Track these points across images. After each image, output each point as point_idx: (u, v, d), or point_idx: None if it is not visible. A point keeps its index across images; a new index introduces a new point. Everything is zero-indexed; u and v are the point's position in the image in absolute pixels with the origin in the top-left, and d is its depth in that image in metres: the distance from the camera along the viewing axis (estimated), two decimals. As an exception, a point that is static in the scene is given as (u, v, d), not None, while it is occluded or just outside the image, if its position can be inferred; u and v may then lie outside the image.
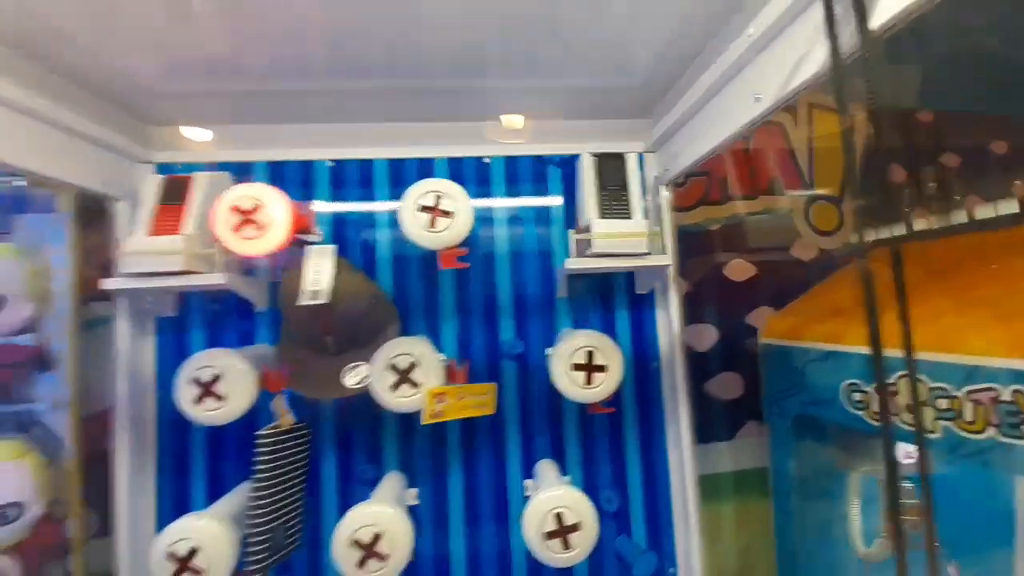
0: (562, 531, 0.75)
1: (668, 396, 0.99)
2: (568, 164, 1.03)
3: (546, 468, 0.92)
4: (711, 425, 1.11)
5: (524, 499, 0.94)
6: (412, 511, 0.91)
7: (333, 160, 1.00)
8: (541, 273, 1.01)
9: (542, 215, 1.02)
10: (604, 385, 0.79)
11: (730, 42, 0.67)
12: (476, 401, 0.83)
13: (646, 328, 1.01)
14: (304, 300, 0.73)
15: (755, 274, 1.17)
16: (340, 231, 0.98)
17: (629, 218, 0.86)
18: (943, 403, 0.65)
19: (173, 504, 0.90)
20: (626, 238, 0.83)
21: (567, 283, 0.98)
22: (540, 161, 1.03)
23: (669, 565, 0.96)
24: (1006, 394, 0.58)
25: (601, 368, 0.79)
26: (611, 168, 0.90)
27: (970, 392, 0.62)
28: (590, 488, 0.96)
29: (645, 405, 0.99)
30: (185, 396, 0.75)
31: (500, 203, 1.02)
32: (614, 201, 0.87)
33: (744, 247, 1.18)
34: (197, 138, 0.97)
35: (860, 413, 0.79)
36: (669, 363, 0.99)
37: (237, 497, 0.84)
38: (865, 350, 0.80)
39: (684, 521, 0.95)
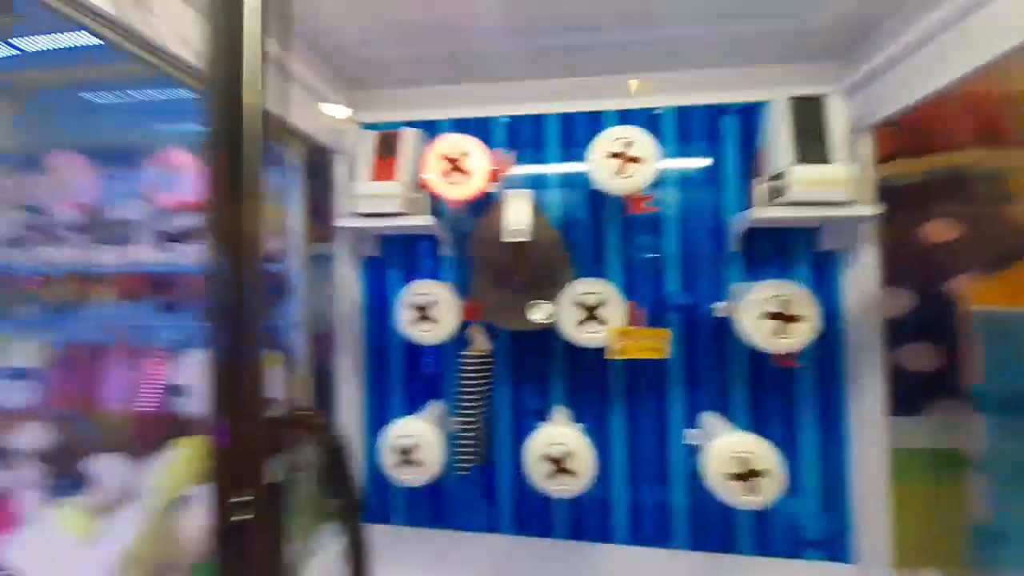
0: (746, 475, 0.76)
1: (854, 362, 0.93)
2: (746, 113, 0.99)
3: (714, 419, 0.93)
4: (895, 398, 1.02)
5: (685, 447, 0.96)
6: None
7: (509, 116, 1.06)
8: (711, 226, 0.99)
9: (715, 167, 1.00)
10: (800, 336, 0.77)
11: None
12: (653, 344, 0.86)
13: (831, 288, 0.95)
14: (507, 237, 0.81)
15: (958, 236, 1.03)
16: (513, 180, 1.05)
17: (829, 163, 0.80)
18: None
19: (377, 409, 1.06)
20: (828, 185, 0.79)
21: (741, 237, 0.95)
22: (715, 111, 1.00)
23: (844, 531, 0.92)
24: None
25: (796, 318, 0.77)
26: (809, 111, 0.85)
27: None
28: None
29: (825, 369, 0.94)
30: (406, 318, 0.87)
31: (671, 156, 1.01)
32: (812, 146, 0.82)
33: (946, 206, 1.04)
34: (391, 99, 1.09)
35: None
36: (859, 326, 0.92)
37: (434, 411, 0.97)
38: None
39: (866, 492, 0.90)
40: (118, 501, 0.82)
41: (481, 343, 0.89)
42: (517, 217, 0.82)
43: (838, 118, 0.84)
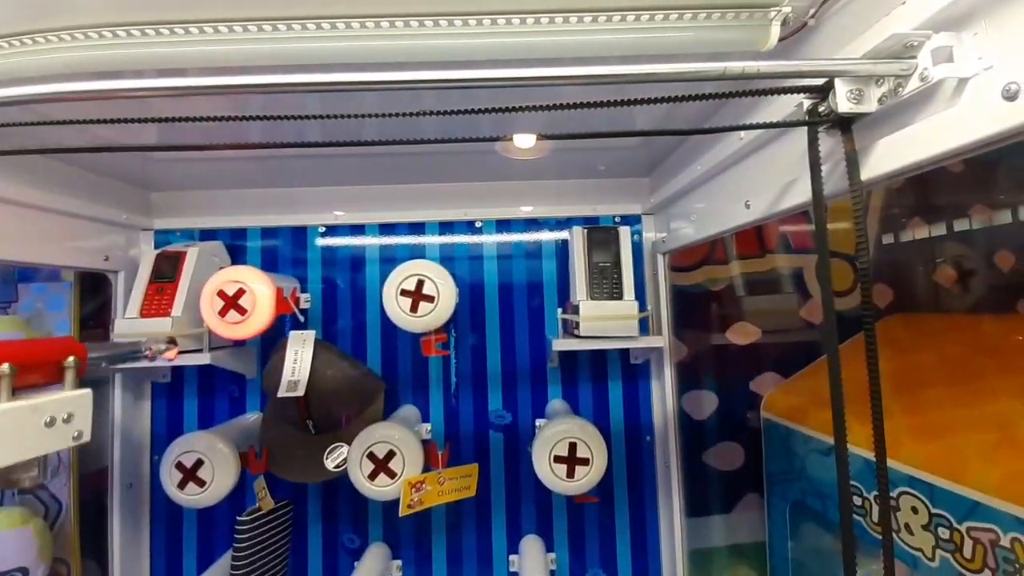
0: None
1: (661, 470, 0.96)
2: (564, 225, 1.01)
3: (531, 546, 0.91)
4: (708, 497, 1.07)
5: (509, 574, 0.93)
6: (395, 584, 0.91)
7: (325, 225, 1.00)
8: (531, 341, 0.99)
9: (534, 280, 1.00)
10: (587, 478, 0.77)
11: (720, 142, 0.63)
12: (457, 485, 0.83)
13: (641, 399, 0.98)
14: (283, 392, 0.74)
15: (760, 337, 1.12)
16: (329, 297, 0.98)
17: (620, 298, 0.83)
18: (944, 532, 0.61)
19: (165, 563, 0.92)
20: (615, 320, 0.81)
21: (558, 354, 0.95)
22: (535, 224, 1.01)
23: (658, 644, 0.94)
24: (1005, 540, 0.54)
25: (584, 461, 0.77)
26: (602, 242, 0.87)
27: (970, 529, 0.58)
28: (576, 564, 0.95)
29: (638, 480, 0.96)
30: (170, 480, 0.76)
31: (493, 268, 1.00)
32: (604, 279, 0.85)
33: (749, 309, 1.13)
34: (193, 204, 0.98)
35: (859, 520, 0.75)
36: (663, 436, 0.96)
37: (223, 567, 0.85)
38: (866, 453, 0.75)
39: (673, 601, 0.93)
40: None
41: (265, 500, 0.80)
42: (294, 367, 0.75)
43: (628, 248, 0.87)
